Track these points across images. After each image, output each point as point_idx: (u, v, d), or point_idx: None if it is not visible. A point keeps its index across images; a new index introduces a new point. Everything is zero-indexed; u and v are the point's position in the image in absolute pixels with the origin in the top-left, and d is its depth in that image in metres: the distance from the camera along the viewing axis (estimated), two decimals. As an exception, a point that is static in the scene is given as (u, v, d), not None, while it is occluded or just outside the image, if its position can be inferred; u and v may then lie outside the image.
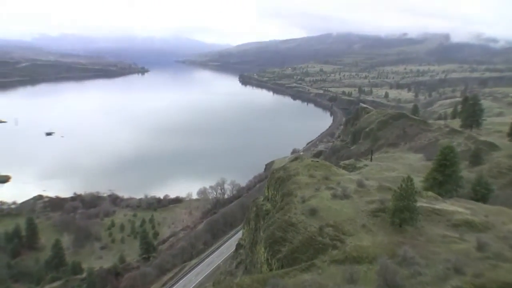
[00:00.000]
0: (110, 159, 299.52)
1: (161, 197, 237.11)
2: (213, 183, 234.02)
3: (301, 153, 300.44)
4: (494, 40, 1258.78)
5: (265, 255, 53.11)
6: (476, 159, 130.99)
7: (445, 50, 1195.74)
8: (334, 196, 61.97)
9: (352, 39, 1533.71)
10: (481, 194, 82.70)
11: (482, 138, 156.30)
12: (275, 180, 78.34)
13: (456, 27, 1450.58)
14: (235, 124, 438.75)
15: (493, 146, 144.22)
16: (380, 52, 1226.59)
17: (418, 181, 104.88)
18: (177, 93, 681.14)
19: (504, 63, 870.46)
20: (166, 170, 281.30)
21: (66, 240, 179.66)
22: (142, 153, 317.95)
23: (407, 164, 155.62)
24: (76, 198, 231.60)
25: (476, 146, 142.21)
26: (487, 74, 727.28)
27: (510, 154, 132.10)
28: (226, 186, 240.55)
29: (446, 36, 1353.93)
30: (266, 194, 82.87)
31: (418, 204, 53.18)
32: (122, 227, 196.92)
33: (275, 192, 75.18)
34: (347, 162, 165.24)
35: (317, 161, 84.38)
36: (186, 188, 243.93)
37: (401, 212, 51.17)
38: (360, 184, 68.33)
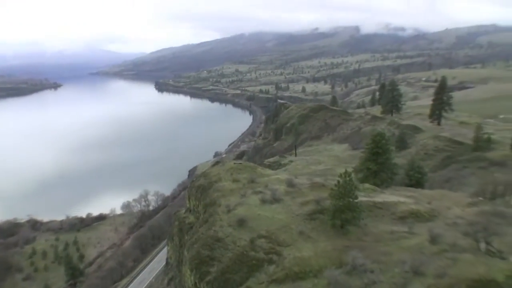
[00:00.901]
0: (27, 182, 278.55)
1: (84, 216, 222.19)
2: (137, 196, 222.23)
3: (224, 155, 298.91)
4: (402, 29, 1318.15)
5: (192, 278, 45.39)
6: (402, 143, 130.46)
7: (356, 41, 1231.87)
8: (263, 201, 55.32)
9: (265, 37, 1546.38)
10: (415, 178, 79.61)
11: (404, 122, 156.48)
12: (196, 189, 70.68)
13: (365, 18, 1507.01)
14: (154, 132, 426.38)
15: (416, 129, 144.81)
16: (294, 48, 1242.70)
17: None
18: (93, 106, 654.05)
19: (413, 50, 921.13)
20: (88, 187, 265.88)
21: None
22: (62, 172, 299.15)
23: (333, 155, 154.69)
24: None
25: (400, 130, 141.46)
26: (399, 61, 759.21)
27: (434, 135, 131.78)
28: (150, 197, 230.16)
29: (356, 28, 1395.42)
30: (188, 205, 74.65)
31: (358, 199, 47.02)
32: (44, 254, 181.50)
33: (197, 203, 67.62)
34: (271, 160, 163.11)
35: (240, 163, 77.28)
36: (109, 203, 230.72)
37: (341, 212, 45.36)
38: (290, 184, 62.21)
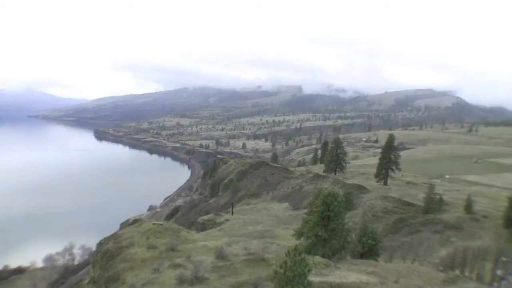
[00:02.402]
0: None
1: None
2: (61, 248, 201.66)
3: (158, 209, 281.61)
4: (343, 91, 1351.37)
5: None
6: (347, 203, 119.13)
7: (298, 101, 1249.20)
8: (181, 280, 42.22)
9: (208, 92, 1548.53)
10: (368, 245, 67.88)
11: (349, 182, 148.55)
12: (102, 254, 56.20)
13: (307, 79, 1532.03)
14: (88, 182, 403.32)
15: (362, 189, 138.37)
16: (236, 105, 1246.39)
17: (288, 235, 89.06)
18: (28, 151, 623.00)
19: (353, 111, 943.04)
20: (8, 236, 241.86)
21: None
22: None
23: (272, 215, 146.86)
24: None
25: (345, 190, 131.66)
26: (339, 122, 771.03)
27: (381, 195, 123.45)
28: (75, 250, 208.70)
29: (299, 88, 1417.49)
30: (92, 274, 59.32)
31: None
32: None
33: (101, 273, 52.65)
34: (206, 217, 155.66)
35: (161, 225, 63.17)
36: (30, 255, 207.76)
37: (289, 308, 31.18)
38: (220, 255, 49.10)
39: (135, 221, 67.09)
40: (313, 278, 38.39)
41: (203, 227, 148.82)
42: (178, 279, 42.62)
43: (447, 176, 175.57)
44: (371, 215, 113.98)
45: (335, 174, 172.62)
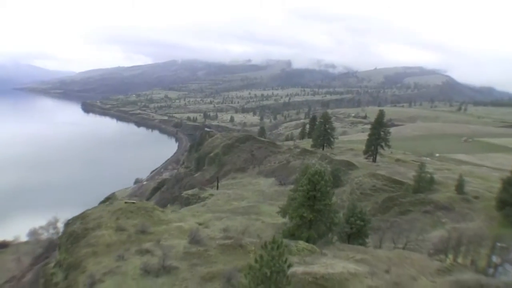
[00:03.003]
0: None
1: None
2: (45, 222, 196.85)
3: (144, 182, 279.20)
4: (332, 66, 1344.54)
5: None
6: (335, 180, 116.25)
7: (287, 75, 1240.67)
8: (146, 270, 37.29)
9: (197, 66, 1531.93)
10: (357, 227, 63.52)
11: (337, 158, 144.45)
12: (67, 236, 51.36)
13: (296, 53, 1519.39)
14: (75, 155, 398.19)
15: (350, 165, 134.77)
16: (225, 78, 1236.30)
17: (274, 211, 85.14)
18: (15, 123, 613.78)
19: (342, 87, 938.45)
20: None
21: None
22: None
23: (258, 190, 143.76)
24: None
25: (333, 166, 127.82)
26: (328, 97, 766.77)
27: (370, 173, 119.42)
28: (59, 224, 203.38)
29: (288, 63, 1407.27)
30: (58, 257, 54.35)
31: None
32: None
33: (66, 257, 47.89)
34: (190, 192, 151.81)
35: (133, 203, 58.23)
36: (14, 229, 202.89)
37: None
38: (195, 239, 44.18)
39: (107, 199, 62.10)
40: (295, 268, 34.05)
41: (187, 202, 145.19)
42: (143, 269, 38.22)
43: (437, 155, 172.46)
44: (359, 192, 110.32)
45: (323, 149, 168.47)
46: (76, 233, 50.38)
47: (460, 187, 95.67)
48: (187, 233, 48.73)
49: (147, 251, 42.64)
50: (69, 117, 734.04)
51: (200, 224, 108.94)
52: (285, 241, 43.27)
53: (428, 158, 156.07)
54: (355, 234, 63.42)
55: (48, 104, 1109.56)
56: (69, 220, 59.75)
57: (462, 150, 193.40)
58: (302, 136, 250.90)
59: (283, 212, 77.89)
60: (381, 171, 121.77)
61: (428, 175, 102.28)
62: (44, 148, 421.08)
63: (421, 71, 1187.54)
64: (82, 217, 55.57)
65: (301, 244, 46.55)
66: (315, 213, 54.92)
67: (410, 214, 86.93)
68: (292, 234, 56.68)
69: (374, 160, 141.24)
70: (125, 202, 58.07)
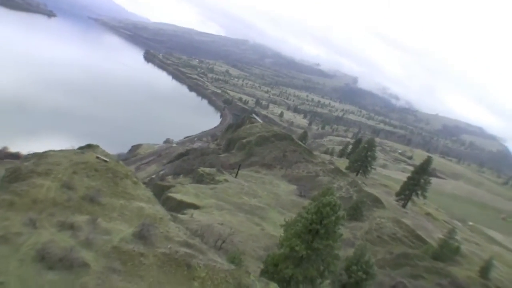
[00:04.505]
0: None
1: None
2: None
3: (174, 144, 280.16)
4: (396, 98, 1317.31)
5: None
6: (356, 212, 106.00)
7: (350, 91, 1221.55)
8: (43, 255, 27.99)
9: (266, 52, 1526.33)
10: (356, 278, 52.50)
11: (367, 189, 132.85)
12: (11, 171, 42.18)
13: (365, 73, 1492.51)
14: (123, 97, 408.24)
15: (377, 202, 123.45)
16: (289, 74, 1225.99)
17: (280, 221, 76.60)
18: (79, 50, 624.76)
19: (399, 121, 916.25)
20: (22, 122, 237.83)
21: None
22: (19, 100, 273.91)
23: (274, 193, 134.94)
24: None
25: (358, 196, 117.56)
26: (381, 126, 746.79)
27: (395, 218, 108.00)
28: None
29: (354, 79, 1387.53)
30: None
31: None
32: None
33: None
34: (207, 170, 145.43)
35: (105, 161, 48.23)
36: (32, 146, 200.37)
37: None
38: (142, 233, 34.35)
39: (88, 146, 52.48)
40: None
41: (200, 179, 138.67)
42: (40, 252, 28.25)
43: (470, 223, 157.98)
44: (376, 235, 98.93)
45: (356, 175, 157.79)
46: (20, 171, 41.09)
47: (485, 270, 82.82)
48: (148, 218, 38.74)
49: (72, 227, 32.74)
50: (130, 60, 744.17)
51: (196, 207, 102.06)
52: (250, 278, 33.18)
53: (459, 224, 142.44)
54: (351, 287, 52.55)
55: (115, 42, 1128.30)
56: (28, 154, 50.81)
57: (498, 227, 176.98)
58: (342, 154, 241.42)
59: (287, 227, 67.09)
60: (407, 220, 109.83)
61: (456, 244, 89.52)
62: (99, 83, 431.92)
63: (481, 132, 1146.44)
64: (40, 156, 46.21)
65: (272, 286, 35.49)
66: (310, 250, 44.14)
67: (420, 281, 75.22)
68: (275, 265, 46.16)
69: (404, 206, 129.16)
70: (97, 157, 48.22)
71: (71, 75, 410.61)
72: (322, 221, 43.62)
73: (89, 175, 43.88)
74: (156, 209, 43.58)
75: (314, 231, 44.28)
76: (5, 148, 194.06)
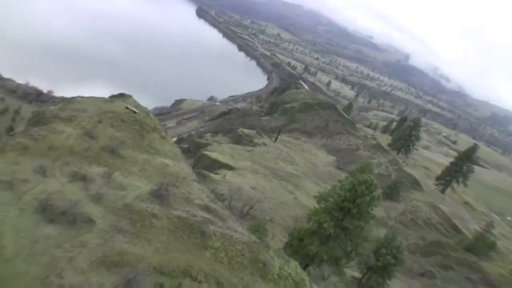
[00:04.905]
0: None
1: (44, 91, 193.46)
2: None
3: (217, 103, 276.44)
4: (447, 79, 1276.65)
5: None
6: (392, 192, 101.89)
7: (400, 68, 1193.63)
8: (44, 207, 26.14)
9: (320, 20, 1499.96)
10: (384, 262, 49.70)
11: (406, 169, 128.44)
12: (36, 114, 40.63)
13: (418, 51, 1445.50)
14: (172, 51, 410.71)
15: (416, 184, 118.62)
16: (341, 43, 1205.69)
17: (314, 191, 74.62)
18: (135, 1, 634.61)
19: (447, 103, 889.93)
20: (75, 70, 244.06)
21: None
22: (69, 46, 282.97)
23: (312, 162, 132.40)
24: None
25: (397, 176, 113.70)
26: (429, 106, 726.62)
27: (432, 203, 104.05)
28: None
29: (406, 56, 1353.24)
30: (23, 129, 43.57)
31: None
32: None
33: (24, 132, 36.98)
34: (247, 131, 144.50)
35: (134, 113, 46.11)
36: (78, 92, 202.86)
37: None
38: (160, 192, 32.07)
39: (120, 95, 50.43)
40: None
41: (238, 140, 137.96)
42: (42, 203, 26.19)
43: (509, 218, 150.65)
44: (410, 218, 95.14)
45: (397, 153, 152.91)
46: (44, 115, 39.44)
47: (520, 270, 78.64)
48: (168, 177, 36.53)
49: (84, 179, 30.72)
50: (182, 15, 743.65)
51: (230, 168, 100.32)
52: (269, 254, 30.66)
53: (498, 218, 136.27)
54: (378, 270, 49.91)
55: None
56: (56, 99, 49.17)
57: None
58: (385, 130, 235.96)
59: (320, 199, 64.10)
60: (444, 207, 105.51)
61: (492, 239, 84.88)
62: (149, 35, 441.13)
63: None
64: (67, 101, 44.44)
65: (289, 268, 32.49)
66: (339, 229, 41.20)
67: (450, 272, 71.96)
68: (300, 239, 43.54)
69: (443, 191, 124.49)
70: (126, 107, 46.06)
71: (122, 26, 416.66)
72: (356, 200, 40.57)
73: (115, 125, 41.93)
74: (181, 167, 41.26)
75: (345, 209, 41.32)
76: (50, 91, 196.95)
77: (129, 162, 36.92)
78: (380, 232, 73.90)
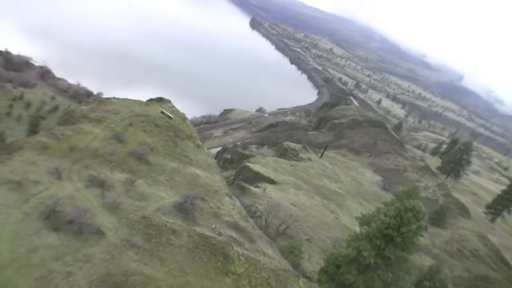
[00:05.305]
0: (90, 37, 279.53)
1: (95, 92, 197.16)
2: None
3: (266, 115, 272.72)
4: (501, 103, 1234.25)
5: None
6: (438, 218, 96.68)
7: (453, 88, 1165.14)
8: (49, 213, 23.32)
9: (373, 36, 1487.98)
10: (427, 295, 45.27)
11: (455, 194, 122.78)
12: (66, 113, 38.68)
13: (471, 72, 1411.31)
14: (225, 60, 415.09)
15: (464, 211, 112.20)
16: (393, 61, 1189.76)
17: (357, 212, 71.02)
18: (187, 8, 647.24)
19: (500, 127, 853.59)
20: (128, 73, 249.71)
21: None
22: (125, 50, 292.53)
23: (357, 181, 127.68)
24: (1, 53, 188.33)
25: (445, 201, 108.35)
26: (481, 130, 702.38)
27: (480, 232, 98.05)
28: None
29: (460, 77, 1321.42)
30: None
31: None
32: (28, 104, 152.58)
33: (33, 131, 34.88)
34: (292, 145, 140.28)
35: (170, 118, 43.62)
36: (127, 95, 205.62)
37: None
38: (184, 205, 28.97)
39: (159, 99, 48.25)
40: None
41: (283, 153, 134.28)
42: (49, 208, 23.62)
43: None
44: (456, 247, 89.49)
45: (446, 177, 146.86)
46: (73, 115, 37.28)
47: None
48: (197, 187, 33.74)
49: (102, 185, 28.12)
50: (235, 25, 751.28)
51: (271, 182, 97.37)
52: (298, 285, 27.38)
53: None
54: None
55: (223, 5, 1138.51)
56: (91, 98, 47.33)
57: None
58: (434, 152, 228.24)
59: (362, 222, 60.12)
60: (493, 238, 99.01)
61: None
62: (202, 43, 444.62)
63: None
64: (100, 101, 42.36)
65: None
66: (379, 259, 37.22)
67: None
68: (337, 266, 39.77)
69: (493, 221, 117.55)
70: (161, 112, 43.68)
71: (177, 33, 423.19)
72: (401, 228, 36.40)
73: (147, 129, 39.48)
74: (214, 179, 38.33)
75: (389, 237, 37.22)
76: (100, 93, 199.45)
77: (156, 170, 34.31)
78: (423, 260, 69.48)
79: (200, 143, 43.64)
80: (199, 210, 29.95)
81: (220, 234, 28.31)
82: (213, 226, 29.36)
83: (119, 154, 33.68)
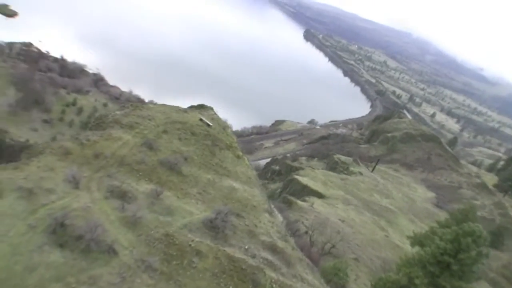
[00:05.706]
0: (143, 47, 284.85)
1: (146, 100, 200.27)
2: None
3: (317, 126, 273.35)
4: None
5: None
6: (496, 239, 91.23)
7: (511, 103, 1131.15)
8: (54, 228, 20.77)
9: (429, 49, 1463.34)
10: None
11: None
12: (98, 118, 36.89)
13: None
14: (278, 71, 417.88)
15: None
16: (449, 74, 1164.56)
17: (408, 230, 67.18)
18: (243, 19, 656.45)
19: None
20: (178, 79, 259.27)
21: (11, 95, 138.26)
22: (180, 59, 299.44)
23: (409, 197, 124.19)
24: (57, 60, 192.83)
25: (503, 221, 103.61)
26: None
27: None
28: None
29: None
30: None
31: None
32: (80, 110, 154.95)
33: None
34: (343, 158, 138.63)
35: (209, 126, 40.99)
36: (177, 102, 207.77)
37: None
38: (215, 223, 26.48)
39: (200, 106, 45.82)
40: None
41: (333, 166, 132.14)
42: (57, 221, 21.02)
43: None
44: None
45: (504, 195, 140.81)
46: (104, 119, 35.12)
47: None
48: (233, 203, 30.84)
49: (123, 196, 25.46)
50: (289, 37, 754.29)
51: (320, 196, 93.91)
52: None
53: None
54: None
55: (277, 17, 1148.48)
56: (126, 104, 45.15)
57: None
58: (491, 169, 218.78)
59: (414, 241, 56.15)
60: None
61: None
62: (256, 54, 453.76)
63: None
64: (135, 106, 40.13)
65: None
66: (433, 287, 33.09)
67: None
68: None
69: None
70: (200, 119, 41.09)
71: (232, 44, 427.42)
72: (458, 255, 32.36)
73: (182, 137, 36.93)
74: (253, 193, 35.22)
75: (444, 264, 33.18)
76: (151, 101, 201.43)
77: (188, 182, 31.57)
78: (479, 286, 64.61)
79: (240, 153, 40.70)
80: (232, 228, 26.88)
81: (253, 256, 25.13)
82: (246, 247, 26.20)
83: (149, 163, 31.18)
